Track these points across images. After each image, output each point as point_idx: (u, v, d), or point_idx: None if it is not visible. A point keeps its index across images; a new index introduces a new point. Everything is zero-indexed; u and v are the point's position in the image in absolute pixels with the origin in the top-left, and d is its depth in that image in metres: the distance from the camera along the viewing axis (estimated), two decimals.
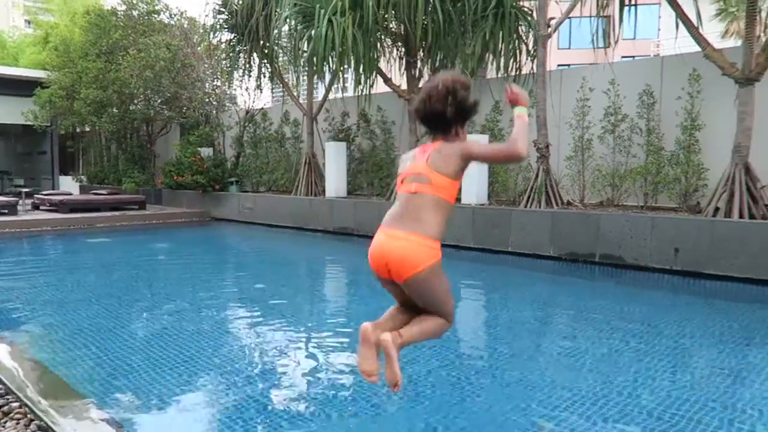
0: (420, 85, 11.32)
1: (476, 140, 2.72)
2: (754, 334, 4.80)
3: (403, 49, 11.42)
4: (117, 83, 16.15)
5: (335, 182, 12.30)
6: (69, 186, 20.79)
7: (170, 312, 5.58)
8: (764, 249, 6.53)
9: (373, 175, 12.54)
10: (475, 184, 9.79)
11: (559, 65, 10.41)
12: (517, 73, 10.45)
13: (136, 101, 17.45)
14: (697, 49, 8.02)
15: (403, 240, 2.49)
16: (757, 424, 3.04)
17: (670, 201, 8.65)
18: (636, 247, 7.52)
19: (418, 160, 2.66)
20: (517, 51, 10.43)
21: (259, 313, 5.69)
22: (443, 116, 2.65)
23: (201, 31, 16.74)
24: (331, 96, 13.37)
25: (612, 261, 7.74)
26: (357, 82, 10.58)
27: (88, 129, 20.98)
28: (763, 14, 8.29)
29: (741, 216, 7.21)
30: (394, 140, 12.34)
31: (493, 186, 10.26)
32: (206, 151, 15.47)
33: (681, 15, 8.13)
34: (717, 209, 7.49)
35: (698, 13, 8.33)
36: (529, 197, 9.15)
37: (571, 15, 9.57)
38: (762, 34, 8.34)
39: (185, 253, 10.10)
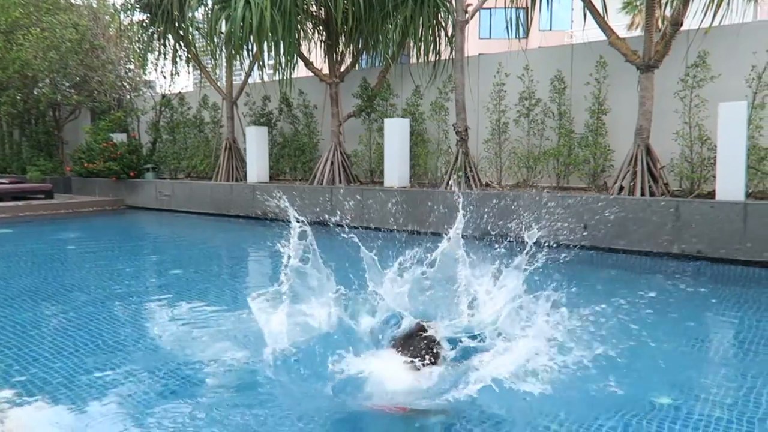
0: (342, 69, 11.31)
1: None
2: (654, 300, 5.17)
3: (325, 33, 11.34)
4: (18, 63, 15.07)
5: (257, 167, 12.09)
6: None
7: (79, 301, 5.33)
8: (661, 224, 7.02)
9: (296, 160, 12.42)
10: (396, 167, 9.91)
11: (480, 54, 10.68)
12: (437, 58, 10.63)
13: (40, 84, 16.36)
14: (604, 37, 8.46)
15: None
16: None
17: (580, 181, 9.11)
18: (549, 224, 7.86)
19: None
20: (437, 36, 10.60)
21: (174, 299, 5.53)
22: None
23: (111, 10, 15.88)
24: (251, 80, 13.10)
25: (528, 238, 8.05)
26: (277, 66, 10.41)
27: None
28: (663, 5, 8.84)
29: (643, 194, 7.70)
30: (316, 124, 12.26)
31: (415, 169, 10.42)
32: (119, 137, 14.77)
33: (588, 5, 8.54)
34: (622, 188, 7.97)
35: (604, 3, 8.80)
36: (449, 179, 9.36)
37: (490, 5, 9.84)
38: (660, 24, 8.91)
39: (96, 242, 9.62)
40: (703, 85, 7.88)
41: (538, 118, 9.49)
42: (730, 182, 6.89)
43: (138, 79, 16.29)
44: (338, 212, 10.05)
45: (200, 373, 3.51)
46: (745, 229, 6.49)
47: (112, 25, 15.88)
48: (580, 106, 9.18)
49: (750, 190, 7.35)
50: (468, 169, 9.24)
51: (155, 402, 3.11)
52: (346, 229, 3.95)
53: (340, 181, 10.84)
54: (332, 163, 10.96)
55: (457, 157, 9.36)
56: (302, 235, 3.74)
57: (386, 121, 10.17)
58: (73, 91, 16.40)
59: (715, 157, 7.24)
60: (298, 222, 3.85)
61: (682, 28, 7.80)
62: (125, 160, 14.15)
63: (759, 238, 6.41)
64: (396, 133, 9.95)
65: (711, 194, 7.37)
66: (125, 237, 10.31)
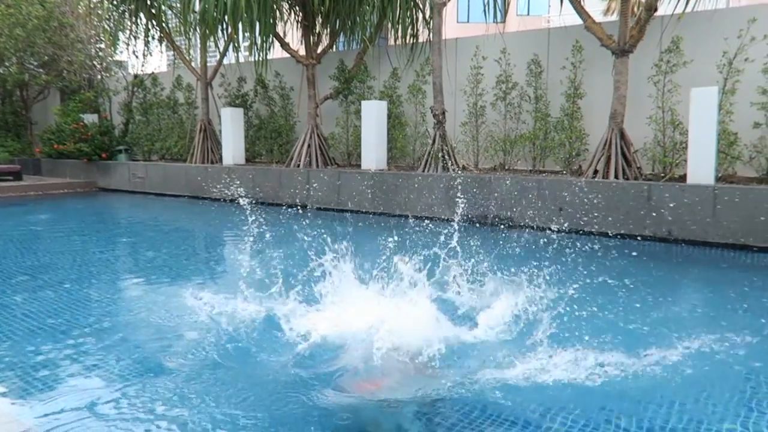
0: (319, 51, 11.19)
1: None
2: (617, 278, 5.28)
3: (301, 14, 11.18)
4: None
5: (233, 149, 11.95)
6: None
7: (51, 282, 5.24)
8: (634, 207, 7.15)
9: (273, 142, 12.31)
10: (374, 150, 9.88)
11: (458, 38, 10.65)
12: (414, 41, 10.59)
13: (7, 63, 15.87)
14: (580, 22, 8.50)
15: None
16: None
17: (555, 165, 9.20)
18: (525, 208, 7.96)
19: None
20: (415, 19, 10.55)
21: (148, 280, 5.48)
22: None
23: None
24: (226, 61, 12.90)
25: (504, 221, 8.14)
26: (252, 46, 10.25)
27: None
28: None
29: (616, 177, 7.82)
30: (293, 106, 12.15)
31: (392, 152, 10.41)
32: (90, 118, 14.44)
33: None
34: (596, 171, 8.07)
35: None
36: (426, 162, 9.37)
37: None
38: (635, 10, 8.99)
39: (68, 224, 9.44)
40: (676, 70, 8.00)
41: (515, 101, 9.53)
42: (701, 166, 7.03)
43: (109, 58, 15.90)
44: (313, 195, 10.02)
45: (166, 354, 3.51)
46: (714, 212, 6.65)
47: (81, 2, 15.44)
48: (556, 90, 9.24)
49: (719, 174, 7.51)
50: (445, 152, 9.26)
51: (120, 382, 3.11)
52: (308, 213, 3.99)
53: (317, 164, 10.78)
54: (309, 145, 10.88)
55: (434, 141, 9.37)
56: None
57: (363, 103, 10.12)
58: (41, 70, 15.96)
59: (687, 141, 7.37)
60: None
61: (656, 14, 7.89)
62: (96, 142, 13.85)
63: (727, 221, 6.57)
64: (373, 115, 9.91)
65: (682, 178, 7.51)
66: (97, 219, 10.13)
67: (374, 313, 3.59)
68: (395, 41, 10.70)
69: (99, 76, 15.85)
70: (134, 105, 14.85)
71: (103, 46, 15.73)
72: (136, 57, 14.40)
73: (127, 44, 14.01)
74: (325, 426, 2.69)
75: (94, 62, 15.70)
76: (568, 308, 3.88)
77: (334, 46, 11.68)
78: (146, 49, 13.72)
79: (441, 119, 9.34)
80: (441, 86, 9.39)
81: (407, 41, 10.51)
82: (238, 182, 10.88)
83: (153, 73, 14.75)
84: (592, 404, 2.82)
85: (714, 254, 6.44)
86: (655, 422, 2.66)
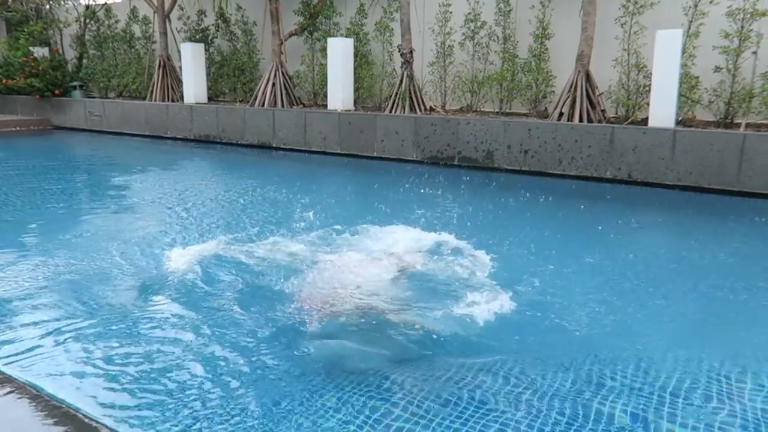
0: None
1: None
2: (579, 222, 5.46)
3: None
4: None
5: (194, 87, 11.58)
6: None
7: (13, 221, 5.13)
8: (597, 150, 7.30)
9: (236, 80, 11.95)
10: (340, 90, 9.73)
11: None
12: None
13: None
14: None
15: None
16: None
17: (522, 107, 9.23)
18: (491, 150, 8.03)
19: None
20: None
21: (111, 215, 5.41)
22: None
23: None
24: None
25: (470, 163, 8.22)
26: None
27: None
28: None
29: (581, 120, 7.91)
30: (256, 43, 11.76)
31: (359, 92, 10.25)
32: (40, 51, 13.71)
33: None
34: (561, 114, 8.15)
35: None
36: (393, 103, 9.29)
37: None
38: None
39: (22, 162, 9.12)
40: (643, 11, 7.99)
41: (483, 41, 9.42)
42: (663, 109, 7.17)
43: None
44: (278, 135, 9.88)
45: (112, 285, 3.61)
46: (672, 155, 6.84)
47: None
48: (524, 30, 9.15)
49: (680, 118, 7.68)
50: (412, 93, 9.17)
51: (70, 315, 3.19)
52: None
53: (282, 104, 10.57)
54: (274, 84, 10.63)
55: (401, 81, 9.25)
56: None
57: (329, 40, 9.86)
58: None
59: (651, 84, 7.47)
60: None
61: None
62: (49, 77, 13.22)
63: (684, 163, 6.79)
64: (339, 53, 9.68)
65: (644, 121, 7.65)
66: (51, 158, 9.81)
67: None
68: None
69: (47, 6, 14.94)
70: (87, 38, 14.12)
71: None
72: None
73: None
74: (272, 338, 2.85)
75: None
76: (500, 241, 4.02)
77: None
78: None
79: (409, 59, 9.21)
80: (409, 24, 9.20)
81: None
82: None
83: (106, 3, 13.98)
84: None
85: (667, 195, 6.67)
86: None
